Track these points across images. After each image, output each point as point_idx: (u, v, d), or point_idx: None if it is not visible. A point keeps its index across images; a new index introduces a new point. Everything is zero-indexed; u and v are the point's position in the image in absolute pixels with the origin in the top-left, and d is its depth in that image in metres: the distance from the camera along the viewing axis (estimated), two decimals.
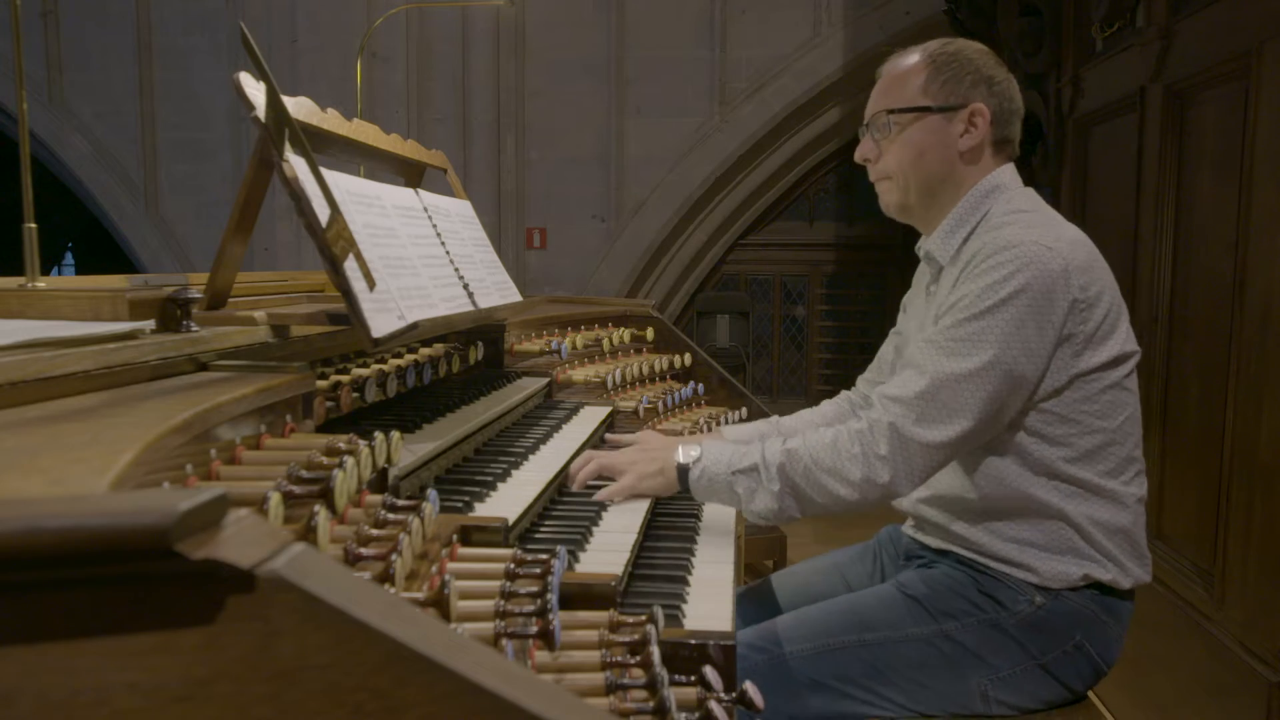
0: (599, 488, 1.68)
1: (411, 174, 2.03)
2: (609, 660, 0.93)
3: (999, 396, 1.46)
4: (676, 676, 0.93)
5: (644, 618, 1.00)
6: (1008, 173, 1.63)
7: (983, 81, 1.59)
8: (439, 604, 0.88)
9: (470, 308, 1.75)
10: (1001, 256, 1.46)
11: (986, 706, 1.53)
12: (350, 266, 1.27)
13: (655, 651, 0.93)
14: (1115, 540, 1.53)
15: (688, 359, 2.81)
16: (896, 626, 1.55)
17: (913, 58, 1.63)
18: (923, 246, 1.70)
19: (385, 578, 0.89)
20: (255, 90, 1.27)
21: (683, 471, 1.61)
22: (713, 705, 0.91)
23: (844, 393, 2.07)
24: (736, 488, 1.56)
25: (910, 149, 1.61)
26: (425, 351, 1.82)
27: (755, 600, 1.86)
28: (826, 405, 2.06)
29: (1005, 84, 1.62)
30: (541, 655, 0.92)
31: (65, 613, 0.47)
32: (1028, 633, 1.52)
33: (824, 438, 1.52)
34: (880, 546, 1.88)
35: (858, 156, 1.69)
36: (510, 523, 1.24)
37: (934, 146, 1.59)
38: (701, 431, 2.30)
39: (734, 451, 1.59)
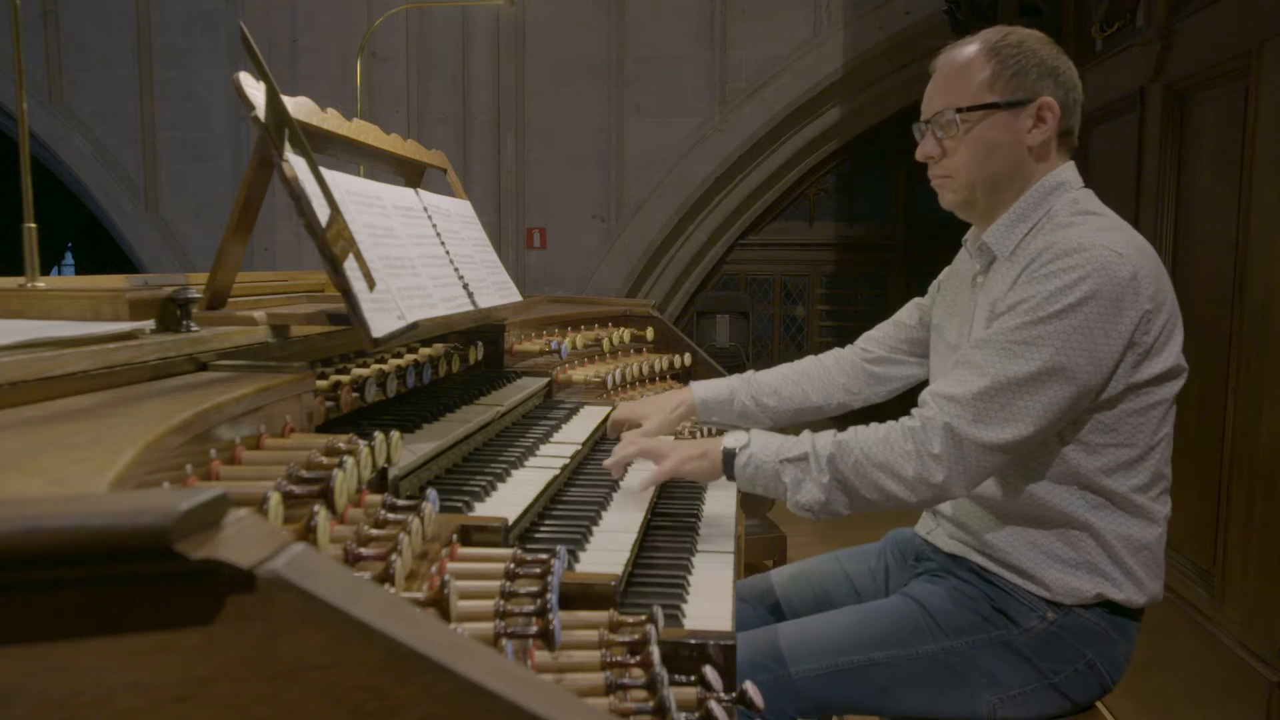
0: (599, 489, 1.68)
1: (411, 174, 2.03)
2: (609, 660, 0.93)
3: (1060, 402, 1.41)
4: (676, 676, 0.93)
5: (644, 617, 1.00)
6: (1070, 170, 1.58)
7: (1049, 73, 1.52)
8: (439, 604, 0.88)
9: (470, 308, 1.75)
10: (1071, 260, 1.41)
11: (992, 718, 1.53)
12: (350, 266, 1.27)
13: (655, 651, 0.93)
14: (1139, 557, 1.50)
15: (688, 359, 2.81)
16: (906, 644, 1.53)
17: (972, 49, 1.56)
18: (975, 238, 1.65)
19: (385, 578, 0.89)
20: (255, 90, 1.27)
21: (729, 457, 1.57)
22: (713, 705, 0.91)
23: (833, 349, 2.02)
24: (784, 477, 1.51)
25: (978, 148, 1.54)
26: (425, 351, 1.82)
27: (756, 595, 1.85)
28: (806, 360, 2.02)
29: (1069, 73, 1.55)
30: (541, 655, 0.92)
31: (65, 613, 0.47)
32: (1040, 651, 1.51)
33: (876, 433, 1.48)
34: (887, 549, 1.86)
35: (920, 155, 1.62)
36: (510, 522, 1.24)
37: (1002, 144, 1.53)
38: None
39: (783, 440, 1.55)
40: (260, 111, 1.26)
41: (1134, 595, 1.51)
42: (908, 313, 1.94)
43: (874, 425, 1.51)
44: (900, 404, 1.64)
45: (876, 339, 1.98)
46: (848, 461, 1.47)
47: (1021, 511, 1.52)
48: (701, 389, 1.98)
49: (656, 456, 1.65)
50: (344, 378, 1.40)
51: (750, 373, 2.02)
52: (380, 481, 1.18)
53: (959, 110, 1.54)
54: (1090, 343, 1.40)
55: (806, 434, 1.55)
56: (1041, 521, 1.51)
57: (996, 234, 1.58)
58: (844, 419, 1.67)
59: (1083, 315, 1.39)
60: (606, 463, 1.70)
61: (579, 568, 1.29)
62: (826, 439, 1.51)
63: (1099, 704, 1.60)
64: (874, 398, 1.98)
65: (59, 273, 11.92)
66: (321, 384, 1.31)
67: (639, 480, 1.64)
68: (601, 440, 2.06)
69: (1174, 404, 1.53)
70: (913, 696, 1.53)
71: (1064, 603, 1.50)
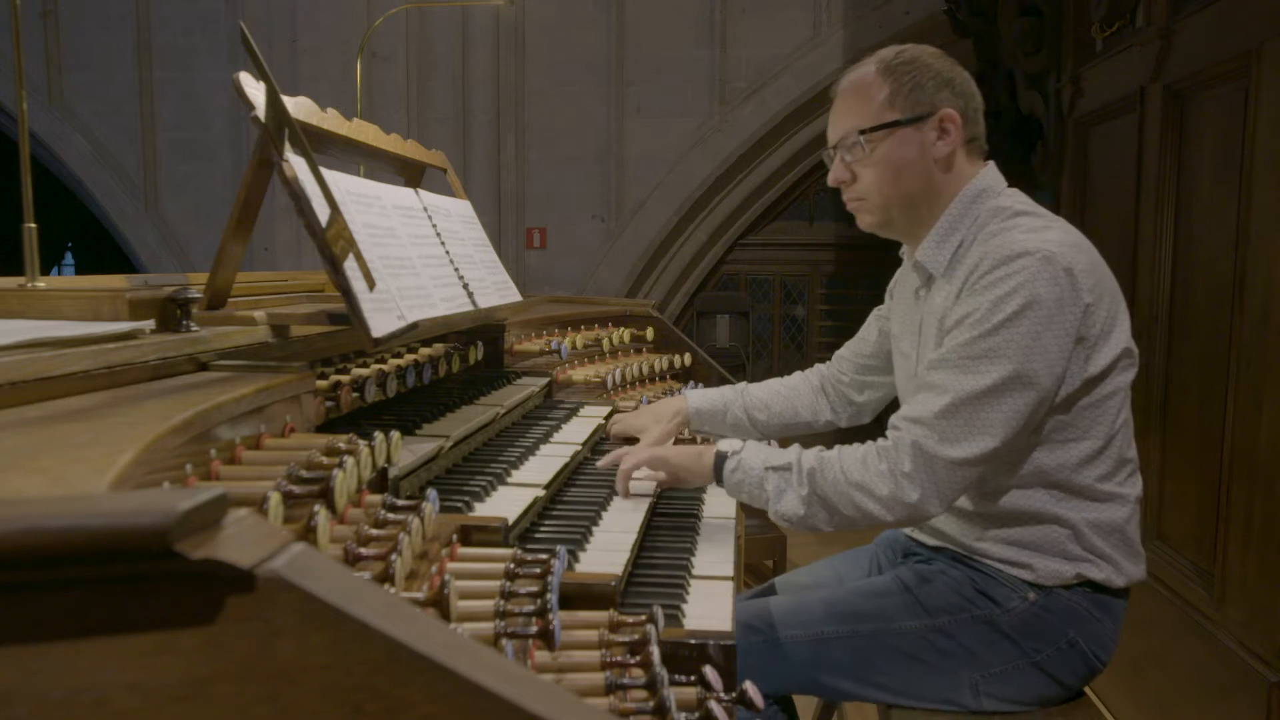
0: (599, 489, 1.69)
1: (411, 174, 2.03)
2: (609, 660, 0.93)
3: (1022, 409, 1.43)
4: (676, 676, 0.93)
5: (644, 617, 1.00)
6: (991, 174, 1.59)
7: (945, 84, 1.55)
8: (439, 604, 0.88)
9: (470, 307, 1.75)
10: (1007, 268, 1.42)
11: (977, 702, 1.54)
12: (350, 266, 1.27)
13: (655, 651, 0.93)
14: (1110, 540, 1.52)
15: (688, 359, 2.81)
16: (889, 619, 1.56)
17: (868, 70, 1.58)
18: (908, 255, 1.66)
19: (385, 578, 0.89)
20: (255, 90, 1.27)
21: (720, 459, 1.61)
22: (713, 705, 0.91)
23: (817, 365, 2.07)
24: (767, 485, 1.55)
25: (887, 167, 1.56)
26: (425, 351, 1.82)
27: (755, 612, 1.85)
28: (796, 376, 2.06)
29: (964, 82, 1.58)
30: (541, 655, 0.92)
31: (65, 613, 0.47)
32: (1021, 630, 1.53)
33: (856, 452, 1.51)
34: (879, 550, 1.89)
35: (832, 181, 1.63)
36: (510, 523, 1.24)
37: (910, 160, 1.55)
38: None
39: (772, 450, 1.59)
40: (260, 111, 1.26)
41: (1113, 576, 1.53)
42: (868, 328, 1.96)
43: (856, 445, 1.54)
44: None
45: (846, 358, 2.00)
46: (827, 478, 1.50)
47: (992, 514, 1.55)
48: (696, 398, 2.01)
49: (654, 457, 1.70)
50: (344, 378, 1.40)
51: (744, 385, 2.05)
52: (380, 481, 1.18)
53: (862, 132, 1.55)
54: (1041, 345, 1.42)
55: (796, 447, 1.58)
56: (1013, 520, 1.54)
57: (928, 252, 1.59)
58: (835, 436, 1.69)
59: (1030, 321, 1.41)
60: (613, 473, 1.73)
61: (579, 568, 1.29)
62: (812, 454, 1.54)
63: (1095, 700, 1.60)
64: (856, 419, 2.03)
65: (59, 273, 11.92)
66: (321, 384, 1.31)
67: (634, 469, 1.69)
68: (601, 441, 2.06)
69: (1128, 391, 1.54)
70: (894, 671, 1.55)
71: (1046, 584, 1.52)
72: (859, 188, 1.60)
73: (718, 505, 1.82)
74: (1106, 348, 1.47)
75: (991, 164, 1.61)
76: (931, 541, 1.67)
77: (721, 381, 2.76)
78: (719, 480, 1.62)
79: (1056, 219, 1.55)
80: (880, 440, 1.52)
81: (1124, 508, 1.54)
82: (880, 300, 1.93)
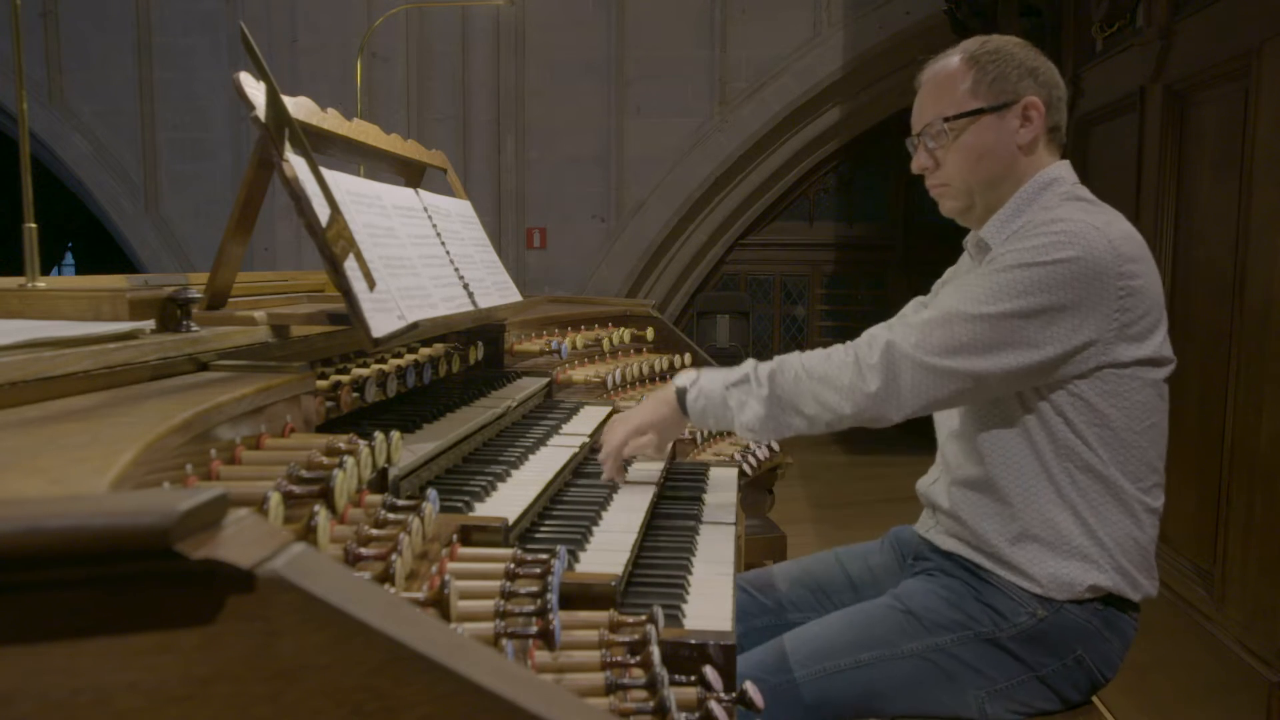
0: (599, 489, 1.68)
1: (411, 174, 2.03)
2: (609, 660, 0.93)
3: (1005, 352, 1.44)
4: (676, 676, 0.93)
5: (644, 618, 1.00)
6: (1063, 168, 1.61)
7: (1028, 73, 1.57)
8: (439, 604, 0.88)
9: (470, 307, 1.75)
10: (1050, 228, 1.45)
11: (982, 716, 1.53)
12: (350, 266, 1.27)
13: (655, 651, 0.93)
14: (1124, 548, 1.50)
15: (688, 359, 2.81)
16: (892, 644, 1.54)
17: (953, 60, 1.61)
18: (973, 236, 1.68)
19: (385, 578, 0.89)
20: (255, 90, 1.27)
21: (681, 395, 1.65)
22: (713, 705, 0.91)
23: (835, 345, 2.06)
24: (730, 401, 1.58)
25: (969, 153, 1.58)
26: (425, 351, 1.81)
27: (756, 587, 1.85)
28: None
29: (1048, 72, 1.60)
30: (541, 655, 0.92)
31: (65, 613, 0.47)
32: (1025, 646, 1.51)
33: (818, 351, 1.55)
34: (887, 546, 1.86)
35: (915, 168, 1.66)
36: (510, 523, 1.24)
37: (993, 146, 1.57)
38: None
39: (728, 370, 1.63)
40: (260, 111, 1.26)
41: (1124, 586, 1.51)
42: (912, 309, 1.94)
43: (818, 349, 1.57)
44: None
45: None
46: (787, 376, 1.54)
47: (1010, 495, 1.53)
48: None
49: (625, 423, 1.71)
50: (344, 378, 1.40)
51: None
52: (380, 481, 1.18)
53: (946, 119, 1.58)
54: (1049, 300, 1.42)
55: (750, 360, 1.62)
56: (1031, 506, 1.52)
57: (992, 228, 1.61)
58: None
59: (1051, 272, 1.42)
60: (604, 476, 1.72)
61: (579, 568, 1.29)
62: (769, 362, 1.59)
63: (1098, 703, 1.60)
64: None
65: (59, 273, 11.92)
66: (321, 384, 1.31)
67: (621, 448, 1.69)
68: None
69: (1160, 394, 1.54)
70: (902, 695, 1.54)
71: (1055, 598, 1.51)
72: (942, 174, 1.63)
73: (718, 505, 1.82)
74: (1139, 345, 1.47)
75: (1066, 161, 1.63)
76: (945, 545, 1.64)
77: None
78: (685, 413, 1.64)
79: (1115, 213, 1.57)
80: (852, 341, 1.55)
81: (1144, 516, 1.52)
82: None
